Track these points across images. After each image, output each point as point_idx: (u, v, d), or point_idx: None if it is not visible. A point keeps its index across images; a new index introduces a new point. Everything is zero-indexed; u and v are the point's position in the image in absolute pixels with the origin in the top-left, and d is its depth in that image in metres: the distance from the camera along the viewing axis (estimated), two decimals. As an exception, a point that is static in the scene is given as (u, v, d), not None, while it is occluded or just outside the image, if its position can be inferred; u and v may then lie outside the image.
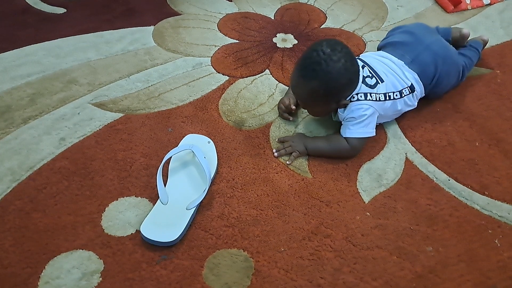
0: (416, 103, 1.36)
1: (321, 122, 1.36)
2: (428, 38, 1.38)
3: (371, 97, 1.22)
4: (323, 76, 1.15)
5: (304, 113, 1.39)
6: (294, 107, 1.33)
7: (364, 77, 1.23)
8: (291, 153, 1.25)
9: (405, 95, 1.29)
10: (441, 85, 1.37)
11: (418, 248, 1.08)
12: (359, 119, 1.22)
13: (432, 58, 1.33)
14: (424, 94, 1.36)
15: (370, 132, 1.25)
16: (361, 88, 1.22)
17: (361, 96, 1.21)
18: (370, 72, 1.26)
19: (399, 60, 1.32)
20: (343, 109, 1.24)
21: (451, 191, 1.20)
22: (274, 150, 1.27)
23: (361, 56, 1.33)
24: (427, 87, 1.34)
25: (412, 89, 1.30)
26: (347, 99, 1.21)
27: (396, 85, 1.28)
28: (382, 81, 1.25)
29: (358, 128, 1.23)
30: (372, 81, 1.24)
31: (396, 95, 1.27)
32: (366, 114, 1.21)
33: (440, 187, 1.21)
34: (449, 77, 1.39)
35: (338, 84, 1.17)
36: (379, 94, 1.24)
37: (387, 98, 1.25)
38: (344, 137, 1.24)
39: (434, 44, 1.36)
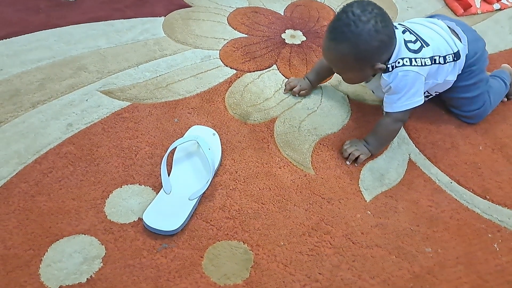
0: (455, 78, 1.28)
1: (326, 119, 1.37)
2: None
3: (416, 62, 1.17)
4: (353, 38, 1.10)
5: (310, 108, 1.40)
6: (297, 95, 1.42)
7: (406, 41, 1.18)
8: (359, 156, 1.24)
9: (447, 62, 1.23)
10: (475, 67, 1.29)
11: (417, 249, 1.08)
12: (403, 92, 1.17)
13: (480, 37, 1.32)
14: (460, 72, 1.28)
15: (417, 101, 1.20)
16: (404, 53, 1.17)
17: (406, 61, 1.16)
18: (414, 36, 1.20)
19: (447, 25, 1.28)
20: (387, 74, 1.17)
21: (453, 194, 1.21)
22: (347, 162, 1.26)
23: (404, 23, 1.28)
24: (467, 60, 1.27)
25: (457, 56, 1.23)
26: (390, 63, 1.16)
27: (441, 50, 1.22)
28: (428, 44, 1.20)
29: (404, 101, 1.18)
30: (415, 46, 1.18)
31: (441, 60, 1.21)
32: (413, 83, 1.17)
33: (442, 189, 1.22)
34: (484, 65, 1.33)
35: (369, 46, 1.11)
36: (425, 58, 1.18)
37: (434, 62, 1.20)
38: (390, 112, 1.21)
39: None
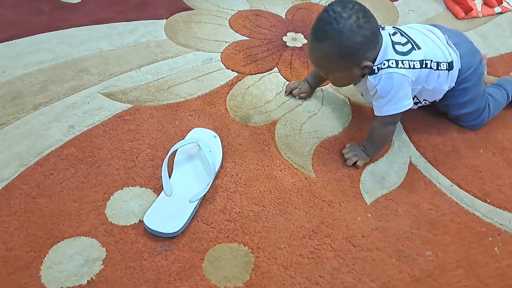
0: (447, 88, 1.25)
1: (327, 121, 1.37)
2: None
3: (403, 64, 1.13)
4: (335, 35, 1.06)
5: (311, 111, 1.40)
6: (297, 97, 1.43)
7: (394, 43, 1.15)
8: (357, 161, 1.24)
9: (441, 69, 1.19)
10: (469, 83, 1.26)
11: (418, 252, 1.08)
12: (389, 95, 1.14)
13: (477, 50, 1.29)
14: (453, 84, 1.25)
15: (406, 105, 1.16)
16: (390, 55, 1.13)
17: (392, 63, 1.12)
18: (405, 38, 1.17)
19: (444, 35, 1.25)
20: (373, 76, 1.14)
21: (453, 197, 1.21)
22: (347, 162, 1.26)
23: (398, 26, 1.24)
24: (460, 75, 1.24)
25: (450, 66, 1.20)
26: (375, 64, 1.13)
27: (436, 55, 1.19)
28: (419, 48, 1.16)
29: (392, 105, 1.15)
30: (404, 48, 1.15)
31: (433, 65, 1.18)
32: (399, 86, 1.13)
33: (443, 193, 1.22)
34: (479, 80, 1.30)
35: (352, 42, 1.07)
36: (414, 61, 1.14)
37: (424, 66, 1.16)
38: (380, 116, 1.19)
39: None
